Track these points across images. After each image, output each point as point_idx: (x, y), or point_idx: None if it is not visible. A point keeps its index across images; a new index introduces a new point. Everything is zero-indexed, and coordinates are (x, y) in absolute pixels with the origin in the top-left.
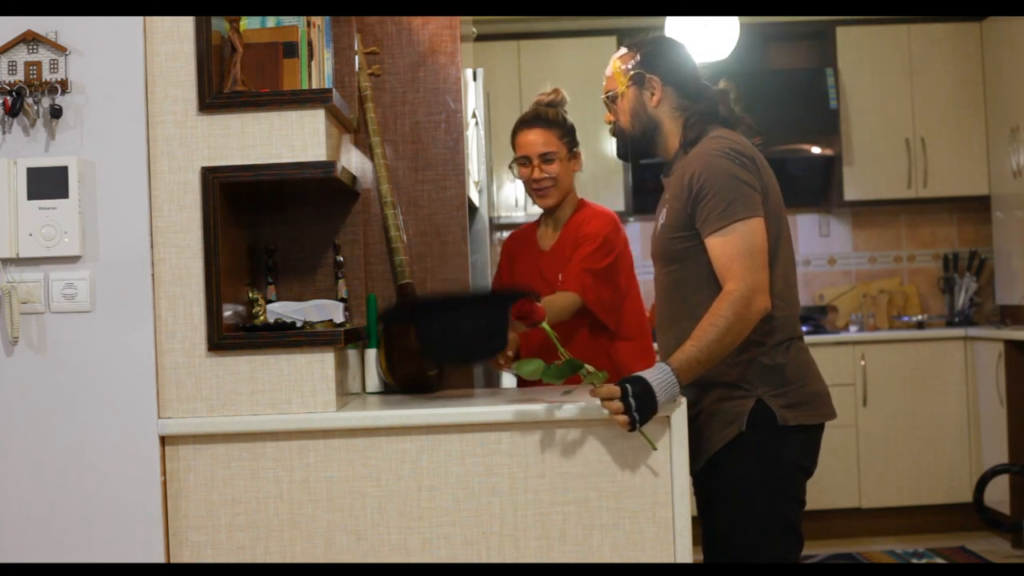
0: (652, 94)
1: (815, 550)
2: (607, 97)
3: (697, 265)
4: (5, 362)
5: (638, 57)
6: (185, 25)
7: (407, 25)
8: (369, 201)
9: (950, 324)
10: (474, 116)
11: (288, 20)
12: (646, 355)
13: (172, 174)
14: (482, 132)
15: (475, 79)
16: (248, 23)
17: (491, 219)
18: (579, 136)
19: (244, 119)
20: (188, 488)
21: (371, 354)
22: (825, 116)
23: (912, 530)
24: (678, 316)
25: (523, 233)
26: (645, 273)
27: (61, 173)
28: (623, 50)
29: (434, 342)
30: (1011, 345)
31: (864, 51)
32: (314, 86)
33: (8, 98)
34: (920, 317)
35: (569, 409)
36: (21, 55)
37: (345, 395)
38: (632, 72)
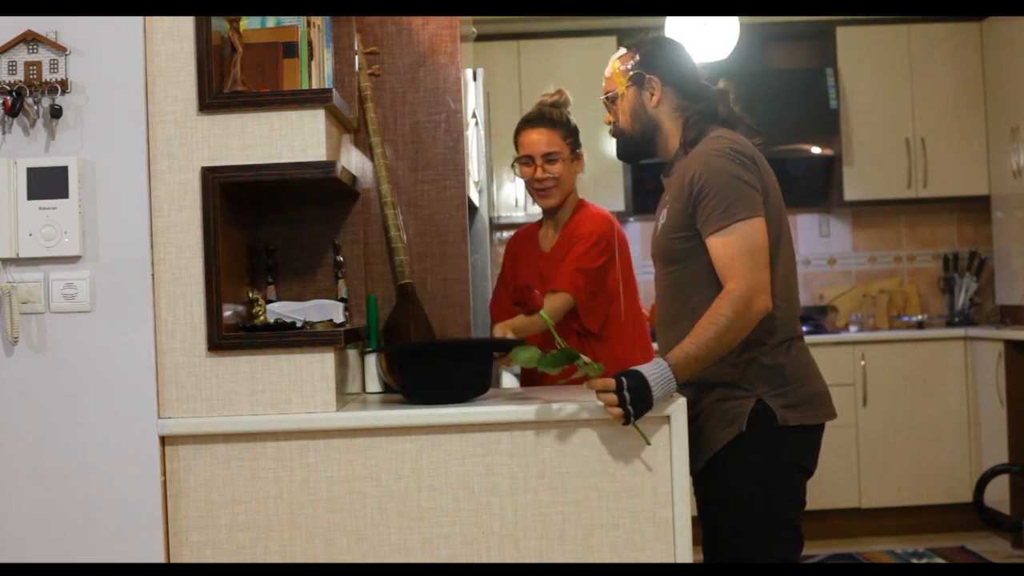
0: (652, 94)
1: (815, 550)
2: (607, 97)
3: (698, 265)
4: (5, 362)
5: (637, 57)
6: (185, 25)
7: (407, 25)
8: (369, 201)
9: (950, 324)
10: (474, 116)
11: (288, 20)
12: (636, 360)
13: (172, 174)
14: (482, 132)
15: (475, 79)
16: (248, 23)
17: (491, 219)
18: (580, 137)
19: (244, 119)
20: (188, 488)
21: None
22: (825, 116)
23: (912, 530)
24: (679, 316)
25: (526, 233)
26: (645, 273)
27: (61, 173)
28: (622, 50)
29: (415, 386)
30: (1011, 345)
31: (864, 51)
32: (314, 86)
33: (8, 98)
34: (920, 317)
35: (569, 409)
36: (21, 55)
37: (345, 395)
38: (632, 72)
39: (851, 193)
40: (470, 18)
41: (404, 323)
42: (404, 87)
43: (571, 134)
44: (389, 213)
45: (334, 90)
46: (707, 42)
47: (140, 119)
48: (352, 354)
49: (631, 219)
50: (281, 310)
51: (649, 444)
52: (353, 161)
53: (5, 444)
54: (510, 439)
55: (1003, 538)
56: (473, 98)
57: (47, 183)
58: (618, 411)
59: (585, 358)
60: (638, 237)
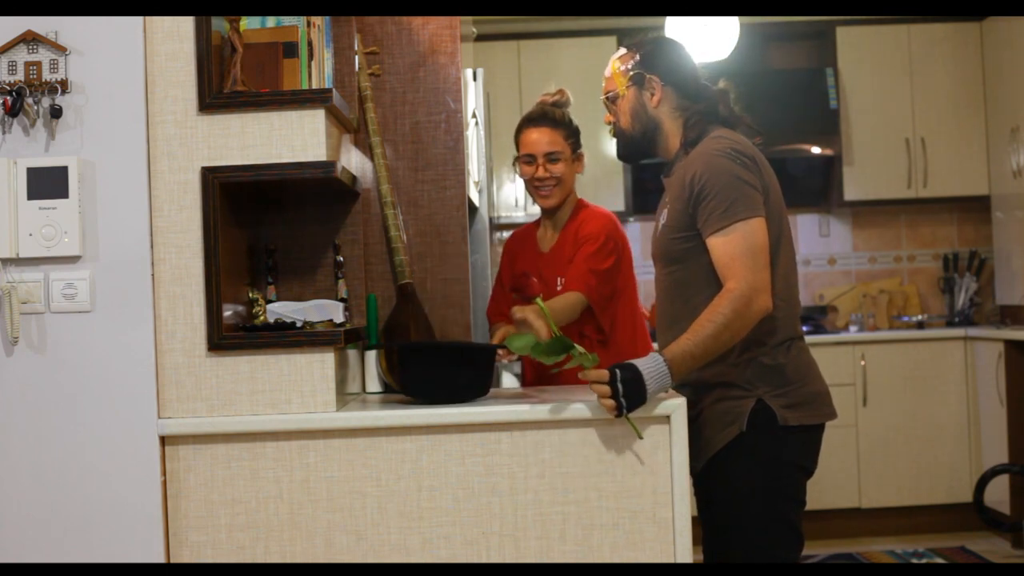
0: (652, 94)
1: (815, 550)
2: (607, 98)
3: (698, 265)
4: (5, 362)
5: (637, 57)
6: (185, 25)
7: (407, 25)
8: (369, 201)
9: (950, 324)
10: (474, 116)
11: (288, 20)
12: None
13: (172, 174)
14: (482, 132)
15: (475, 79)
16: (248, 23)
17: (491, 219)
18: (580, 137)
19: (244, 119)
20: (188, 488)
21: (371, 354)
22: (825, 116)
23: (912, 530)
24: (679, 316)
25: (524, 233)
26: (645, 273)
27: (61, 173)
28: (622, 51)
29: (416, 385)
30: (1011, 345)
31: (864, 51)
32: (314, 86)
33: (8, 98)
34: (920, 317)
35: (569, 409)
36: (21, 55)
37: (345, 395)
38: (632, 72)
39: (851, 193)
40: (470, 18)
41: (404, 323)
42: (404, 87)
43: (573, 134)
44: (389, 213)
45: (334, 90)
46: (707, 42)
47: (140, 119)
48: (352, 354)
49: (631, 219)
50: (281, 310)
51: (641, 438)
52: (353, 161)
53: (5, 444)
54: (510, 439)
55: (1003, 538)
56: (473, 98)
57: (47, 183)
58: (611, 403)
59: (580, 348)
60: (638, 237)
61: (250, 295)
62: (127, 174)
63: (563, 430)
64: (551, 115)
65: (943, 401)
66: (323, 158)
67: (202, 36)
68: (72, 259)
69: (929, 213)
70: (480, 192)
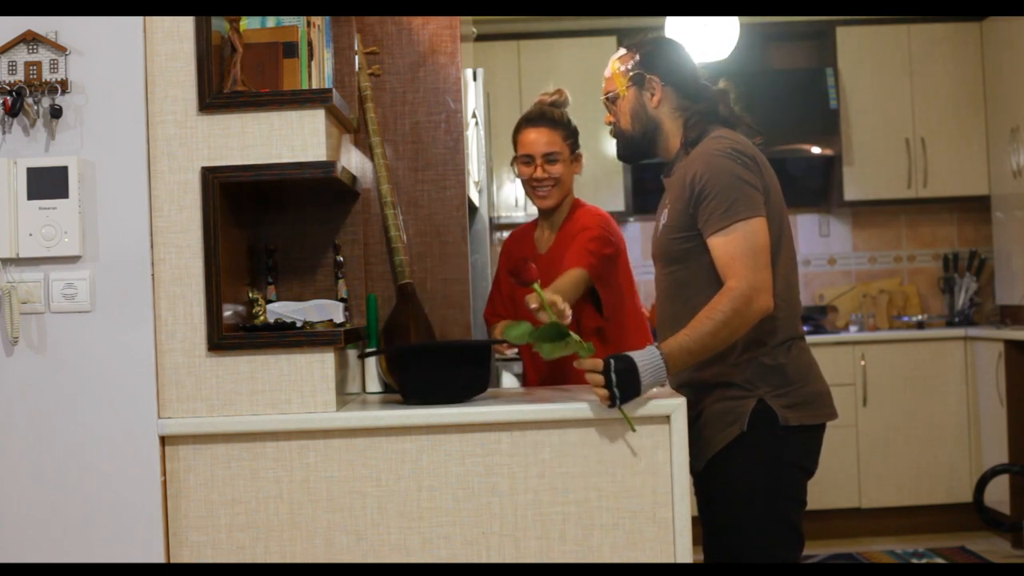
0: (652, 95)
1: (815, 550)
2: (607, 98)
3: (699, 266)
4: (5, 362)
5: (637, 57)
6: (185, 25)
7: (407, 25)
8: (369, 201)
9: (950, 324)
10: (474, 116)
11: (288, 20)
12: None
13: (172, 174)
14: (482, 132)
15: (475, 79)
16: (248, 23)
17: (491, 219)
18: (579, 138)
19: (244, 119)
20: (188, 488)
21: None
22: (825, 116)
23: (912, 530)
24: (679, 316)
25: (522, 233)
26: (645, 273)
27: (61, 173)
28: (622, 51)
29: (415, 387)
30: (1011, 345)
31: (864, 51)
32: (314, 86)
33: (8, 98)
34: (920, 317)
35: (569, 409)
36: (21, 55)
37: (345, 395)
38: (632, 73)
39: (851, 193)
40: (470, 18)
41: (404, 323)
42: (404, 87)
43: (571, 135)
44: (389, 213)
45: (334, 90)
46: (707, 42)
47: (140, 119)
48: (352, 354)
49: (631, 219)
50: (281, 310)
51: (634, 430)
52: (353, 161)
53: (5, 444)
54: (510, 439)
55: (1003, 538)
56: (473, 98)
57: (47, 183)
58: (604, 392)
59: (576, 336)
60: (638, 237)
61: (250, 295)
62: (127, 174)
63: (563, 430)
64: (549, 115)
65: (943, 401)
66: (323, 158)
67: (202, 36)
68: (72, 259)
69: (929, 213)
70: (480, 192)
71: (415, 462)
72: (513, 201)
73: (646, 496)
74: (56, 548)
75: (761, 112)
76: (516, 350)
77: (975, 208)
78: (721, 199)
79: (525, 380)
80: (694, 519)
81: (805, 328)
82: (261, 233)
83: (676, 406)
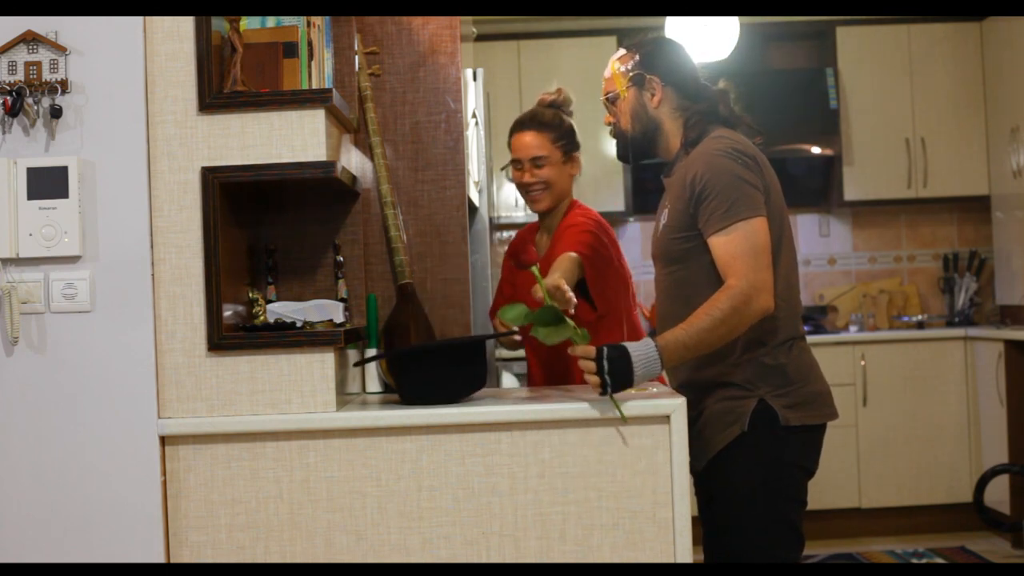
0: (652, 95)
1: (815, 550)
2: (607, 98)
3: (699, 265)
4: (5, 362)
5: (637, 58)
6: (185, 25)
7: (407, 25)
8: (369, 201)
9: (950, 324)
10: (474, 116)
11: (288, 20)
12: None
13: (172, 174)
14: (482, 132)
15: (475, 79)
16: (248, 23)
17: (491, 219)
18: (579, 137)
19: (244, 119)
20: (188, 488)
21: (371, 354)
22: (825, 116)
23: (912, 530)
24: (680, 316)
25: (525, 235)
26: (645, 273)
27: (61, 173)
28: (621, 51)
29: (413, 390)
30: (1011, 345)
31: (864, 51)
32: (314, 86)
33: (8, 98)
34: (920, 317)
35: (569, 409)
36: (21, 55)
37: (345, 395)
38: (632, 73)
39: (851, 193)
40: (470, 18)
41: (404, 323)
42: (404, 87)
43: (563, 136)
44: (389, 213)
45: (334, 90)
46: (707, 42)
47: (140, 119)
48: (352, 354)
49: (631, 219)
50: (281, 310)
51: (625, 420)
52: (353, 161)
53: (5, 444)
54: (510, 439)
55: (1003, 538)
56: (473, 98)
57: (47, 183)
58: (595, 379)
59: (571, 323)
60: (638, 237)
61: (250, 295)
62: (127, 174)
63: (563, 430)
64: (539, 118)
65: (943, 401)
66: (323, 158)
67: (202, 36)
68: (72, 259)
69: (929, 213)
70: (480, 192)
71: (415, 462)
72: (513, 201)
73: (646, 496)
74: (56, 548)
75: (761, 112)
76: (522, 347)
77: (975, 208)
78: (722, 199)
79: (530, 378)
80: (694, 519)
81: (805, 328)
82: (261, 233)
83: (676, 406)
